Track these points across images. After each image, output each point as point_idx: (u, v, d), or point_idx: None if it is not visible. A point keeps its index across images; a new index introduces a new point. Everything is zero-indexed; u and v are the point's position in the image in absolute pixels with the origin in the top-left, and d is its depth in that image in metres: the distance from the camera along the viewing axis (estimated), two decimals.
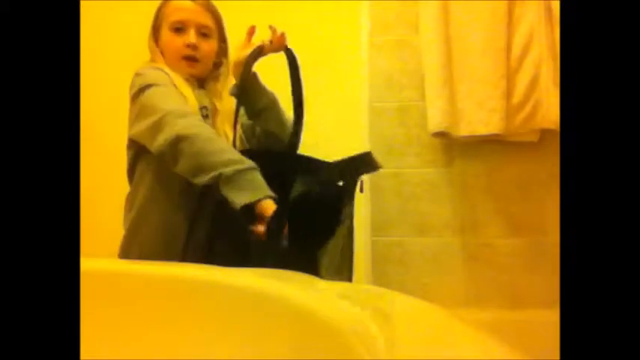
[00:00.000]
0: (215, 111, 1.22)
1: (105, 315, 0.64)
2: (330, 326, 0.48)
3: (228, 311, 0.62)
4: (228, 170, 0.94)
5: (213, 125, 1.17)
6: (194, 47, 1.17)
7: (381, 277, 1.82)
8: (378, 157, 1.86)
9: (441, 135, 1.75)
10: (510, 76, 1.73)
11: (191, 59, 1.18)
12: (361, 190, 1.74)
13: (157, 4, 1.84)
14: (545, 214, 1.80)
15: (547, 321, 1.47)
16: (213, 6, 1.21)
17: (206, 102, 1.20)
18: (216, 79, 1.24)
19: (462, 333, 0.50)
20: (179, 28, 1.17)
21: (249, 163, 0.98)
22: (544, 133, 1.76)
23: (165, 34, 1.18)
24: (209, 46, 1.20)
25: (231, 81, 1.24)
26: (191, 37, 1.16)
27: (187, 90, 1.13)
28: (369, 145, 1.85)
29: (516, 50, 1.73)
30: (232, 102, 1.18)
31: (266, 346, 0.55)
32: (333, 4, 1.75)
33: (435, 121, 1.71)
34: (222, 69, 1.25)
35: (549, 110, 1.70)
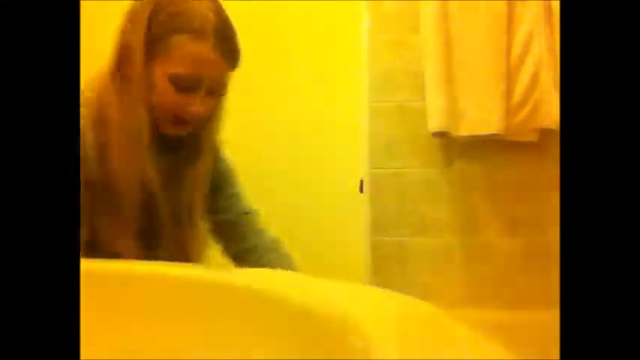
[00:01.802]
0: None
1: (105, 315, 0.64)
2: (330, 326, 0.48)
3: (228, 311, 0.62)
4: None
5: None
6: (196, 114, 0.86)
7: (381, 277, 1.82)
8: (378, 157, 1.88)
9: (440, 135, 1.75)
10: (510, 76, 1.73)
11: (182, 123, 0.86)
12: (361, 191, 1.75)
13: None
14: (545, 214, 1.80)
15: (547, 321, 1.47)
16: (235, 43, 0.89)
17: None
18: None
19: (462, 333, 0.50)
20: (184, 86, 0.83)
21: None
22: (544, 133, 1.76)
23: (163, 79, 0.82)
24: (212, 103, 0.89)
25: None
26: (196, 102, 0.84)
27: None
28: (369, 145, 1.85)
29: (516, 50, 1.73)
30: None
31: (266, 346, 0.55)
32: (333, 4, 1.75)
33: (435, 121, 1.71)
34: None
35: (549, 110, 1.70)
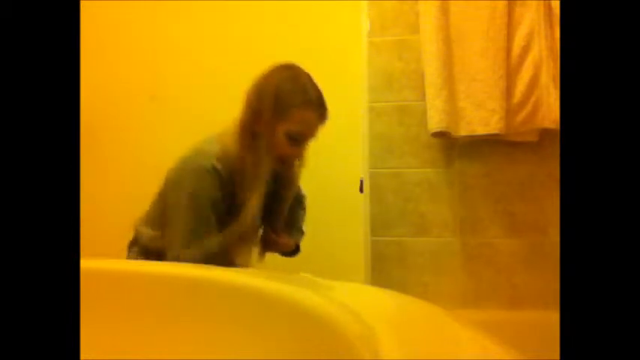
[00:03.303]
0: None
1: (105, 315, 0.64)
2: (330, 326, 0.48)
3: (228, 311, 0.62)
4: None
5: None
6: (293, 157, 1.20)
7: (381, 277, 1.82)
8: (378, 157, 1.88)
9: (440, 135, 1.75)
10: (510, 76, 1.73)
11: (287, 162, 1.20)
12: (361, 190, 1.75)
13: (156, 4, 1.85)
14: (545, 214, 1.80)
15: (547, 321, 1.47)
16: (326, 110, 1.18)
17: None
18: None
19: (462, 333, 0.50)
20: (296, 138, 1.14)
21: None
22: (544, 133, 1.76)
23: (281, 135, 1.13)
24: (304, 151, 1.21)
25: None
26: (302, 150, 1.18)
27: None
28: (369, 145, 1.85)
29: (516, 50, 1.74)
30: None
31: (266, 346, 0.55)
32: (333, 4, 1.75)
33: (435, 120, 1.71)
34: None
35: (549, 110, 1.70)
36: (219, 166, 1.12)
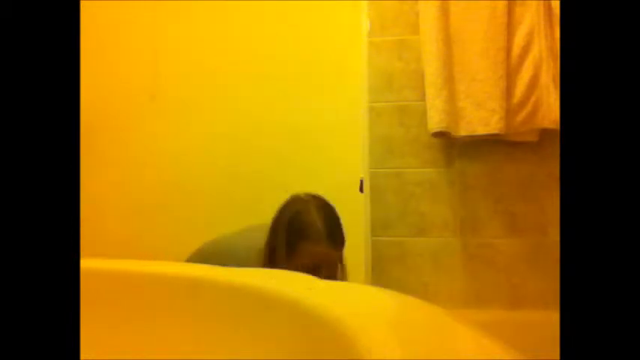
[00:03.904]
0: None
1: (105, 315, 0.64)
2: (330, 326, 0.48)
3: (228, 311, 0.62)
4: None
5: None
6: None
7: (381, 277, 1.82)
8: (378, 157, 1.88)
9: (440, 135, 1.75)
10: (510, 76, 1.73)
11: None
12: (361, 190, 1.75)
13: (156, 4, 1.85)
14: (545, 214, 1.80)
15: (547, 321, 1.47)
16: (341, 236, 1.23)
17: None
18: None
19: (462, 333, 0.50)
20: (311, 269, 1.17)
21: None
22: (544, 133, 1.76)
23: (297, 266, 1.18)
24: (327, 275, 1.22)
25: None
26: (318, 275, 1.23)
27: None
28: (369, 145, 1.85)
29: (516, 50, 1.74)
30: None
31: (266, 346, 0.55)
32: (333, 4, 1.75)
33: (435, 120, 1.71)
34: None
35: (549, 110, 1.70)
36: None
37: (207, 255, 1.30)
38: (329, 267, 1.22)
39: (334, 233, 1.23)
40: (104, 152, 1.81)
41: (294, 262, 1.19)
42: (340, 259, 1.27)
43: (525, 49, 1.73)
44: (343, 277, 1.29)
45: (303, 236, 1.20)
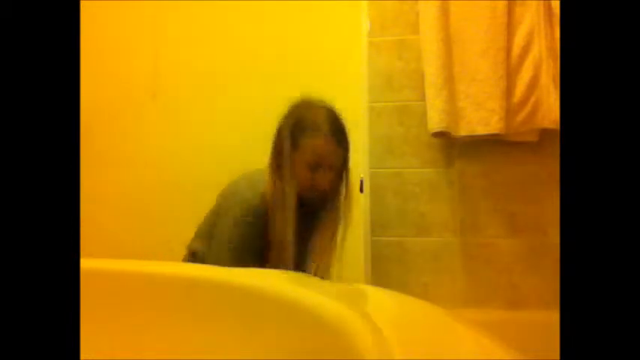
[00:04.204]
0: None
1: (105, 315, 0.64)
2: (330, 326, 0.48)
3: (228, 311, 0.62)
4: None
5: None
6: (322, 186, 1.25)
7: (381, 277, 1.82)
8: (378, 157, 1.88)
9: (440, 135, 1.75)
10: (510, 76, 1.73)
11: (314, 190, 1.26)
12: (361, 190, 1.75)
13: (157, 4, 1.85)
14: (545, 214, 1.80)
15: (547, 321, 1.47)
16: (344, 135, 1.27)
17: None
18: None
19: (462, 333, 0.50)
20: (313, 167, 1.24)
21: None
22: (544, 133, 1.76)
23: (300, 164, 1.24)
24: (332, 177, 1.27)
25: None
26: (321, 177, 1.24)
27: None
28: (369, 145, 1.85)
29: (516, 50, 1.74)
30: None
31: (266, 346, 0.55)
32: (333, 4, 1.75)
33: (435, 120, 1.71)
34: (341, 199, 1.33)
35: (549, 110, 1.70)
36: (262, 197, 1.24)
37: (218, 207, 1.34)
38: (331, 168, 1.25)
39: (339, 133, 1.25)
40: (104, 152, 1.81)
41: (299, 159, 1.23)
42: (345, 164, 1.29)
43: (525, 49, 1.73)
44: (347, 196, 1.32)
45: (307, 132, 1.24)
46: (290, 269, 1.22)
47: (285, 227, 1.23)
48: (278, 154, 1.28)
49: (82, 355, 0.44)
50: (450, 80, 1.73)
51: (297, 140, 1.25)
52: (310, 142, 1.24)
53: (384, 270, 1.84)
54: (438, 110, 1.71)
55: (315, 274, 1.32)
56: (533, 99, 1.71)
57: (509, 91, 1.72)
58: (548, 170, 1.79)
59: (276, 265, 1.24)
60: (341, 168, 1.29)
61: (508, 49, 1.73)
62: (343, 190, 1.32)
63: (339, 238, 1.33)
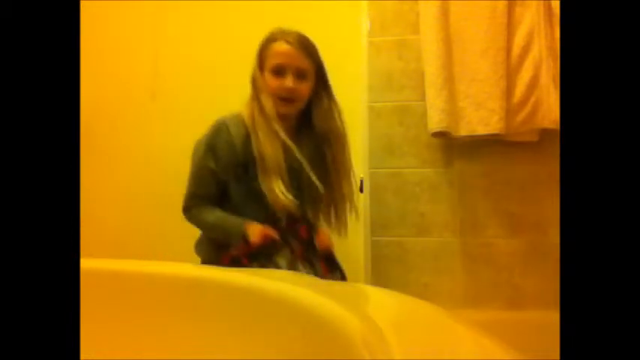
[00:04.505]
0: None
1: (105, 315, 0.64)
2: (330, 326, 0.48)
3: (228, 311, 0.62)
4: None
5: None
6: (291, 91, 1.27)
7: (381, 277, 1.82)
8: (378, 156, 1.88)
9: (440, 135, 1.75)
10: (510, 76, 1.73)
11: (287, 100, 1.29)
12: (361, 190, 1.75)
13: (156, 4, 1.85)
14: (545, 214, 1.80)
15: (547, 321, 1.47)
16: (312, 48, 1.31)
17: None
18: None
19: (462, 333, 0.50)
20: (278, 71, 1.27)
21: None
22: (544, 133, 1.76)
23: (269, 75, 1.28)
24: (305, 87, 1.30)
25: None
26: (288, 81, 1.26)
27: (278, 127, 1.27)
28: (369, 145, 1.85)
29: (516, 50, 1.73)
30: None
31: (267, 346, 0.55)
32: (333, 4, 1.75)
33: (435, 120, 1.71)
34: (321, 103, 1.35)
35: (549, 110, 1.70)
36: (231, 125, 1.27)
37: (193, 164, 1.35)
38: (300, 74, 1.27)
39: (304, 42, 1.29)
40: (104, 151, 1.81)
41: (265, 68, 1.27)
42: (320, 75, 1.33)
43: (525, 49, 1.73)
44: (340, 114, 1.35)
45: (268, 40, 1.30)
46: (285, 182, 1.22)
47: (270, 138, 1.23)
48: (253, 76, 1.31)
49: (82, 355, 0.44)
50: (450, 80, 1.73)
51: (262, 50, 1.31)
52: (272, 46, 1.29)
53: (384, 270, 1.84)
54: (438, 110, 1.70)
55: (329, 206, 1.33)
56: (533, 99, 1.71)
57: (509, 91, 1.72)
58: (548, 170, 1.79)
59: (268, 184, 1.22)
60: (316, 79, 1.32)
61: (508, 49, 1.73)
62: (325, 102, 1.34)
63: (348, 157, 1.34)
